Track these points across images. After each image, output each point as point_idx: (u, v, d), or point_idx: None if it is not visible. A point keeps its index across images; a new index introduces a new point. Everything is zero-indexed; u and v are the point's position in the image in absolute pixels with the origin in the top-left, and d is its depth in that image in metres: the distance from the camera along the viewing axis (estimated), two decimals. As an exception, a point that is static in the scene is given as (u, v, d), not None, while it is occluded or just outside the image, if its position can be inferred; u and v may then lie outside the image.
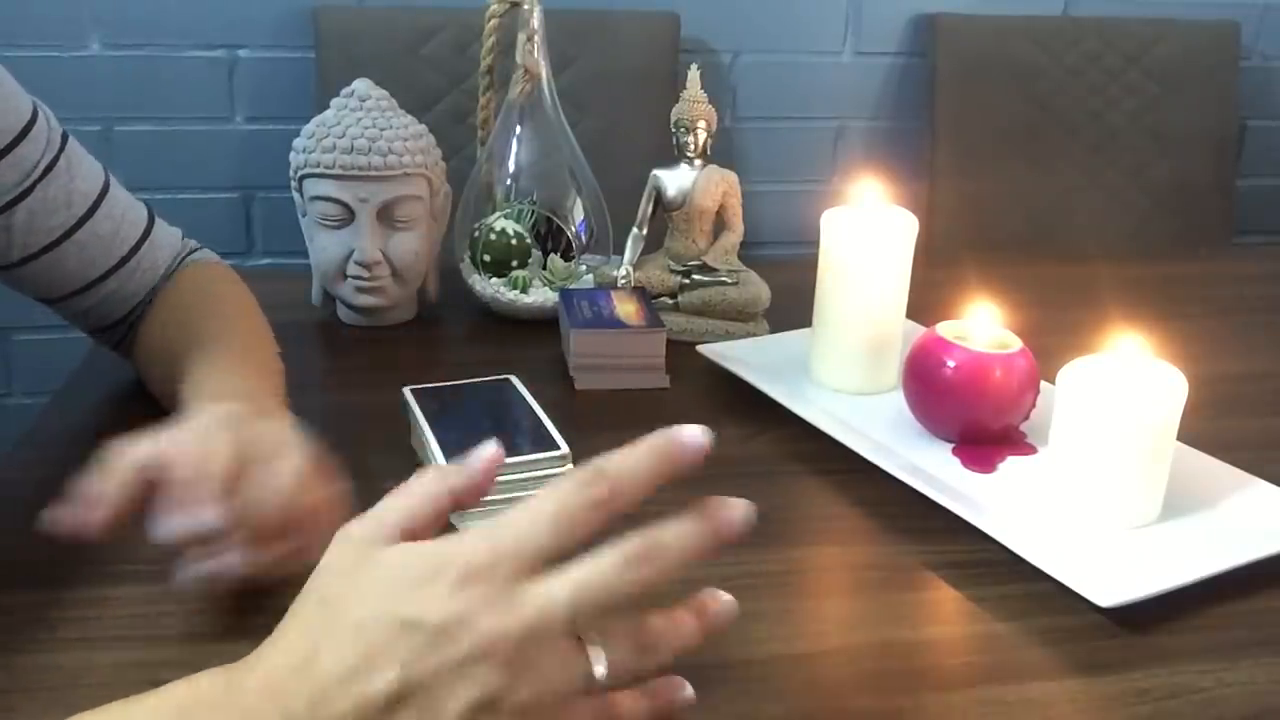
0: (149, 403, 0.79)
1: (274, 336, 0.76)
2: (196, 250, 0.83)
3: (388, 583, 0.40)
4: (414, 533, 0.43)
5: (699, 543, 0.42)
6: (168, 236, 0.81)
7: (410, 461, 0.71)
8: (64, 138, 0.74)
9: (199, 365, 0.66)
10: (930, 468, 0.71)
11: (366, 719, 0.38)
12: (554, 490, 0.41)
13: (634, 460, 0.43)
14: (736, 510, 0.43)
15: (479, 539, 0.41)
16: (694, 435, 0.43)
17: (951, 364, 0.72)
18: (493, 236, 1.00)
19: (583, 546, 0.41)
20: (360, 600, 0.40)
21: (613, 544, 0.41)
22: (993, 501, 0.67)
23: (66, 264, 0.74)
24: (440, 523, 0.44)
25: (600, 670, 0.41)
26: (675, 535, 0.42)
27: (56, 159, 0.72)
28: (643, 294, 0.93)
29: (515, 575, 0.40)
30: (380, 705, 0.38)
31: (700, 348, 0.87)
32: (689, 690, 0.46)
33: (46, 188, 0.71)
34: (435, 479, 0.44)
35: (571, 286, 0.98)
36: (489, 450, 0.45)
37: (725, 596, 0.46)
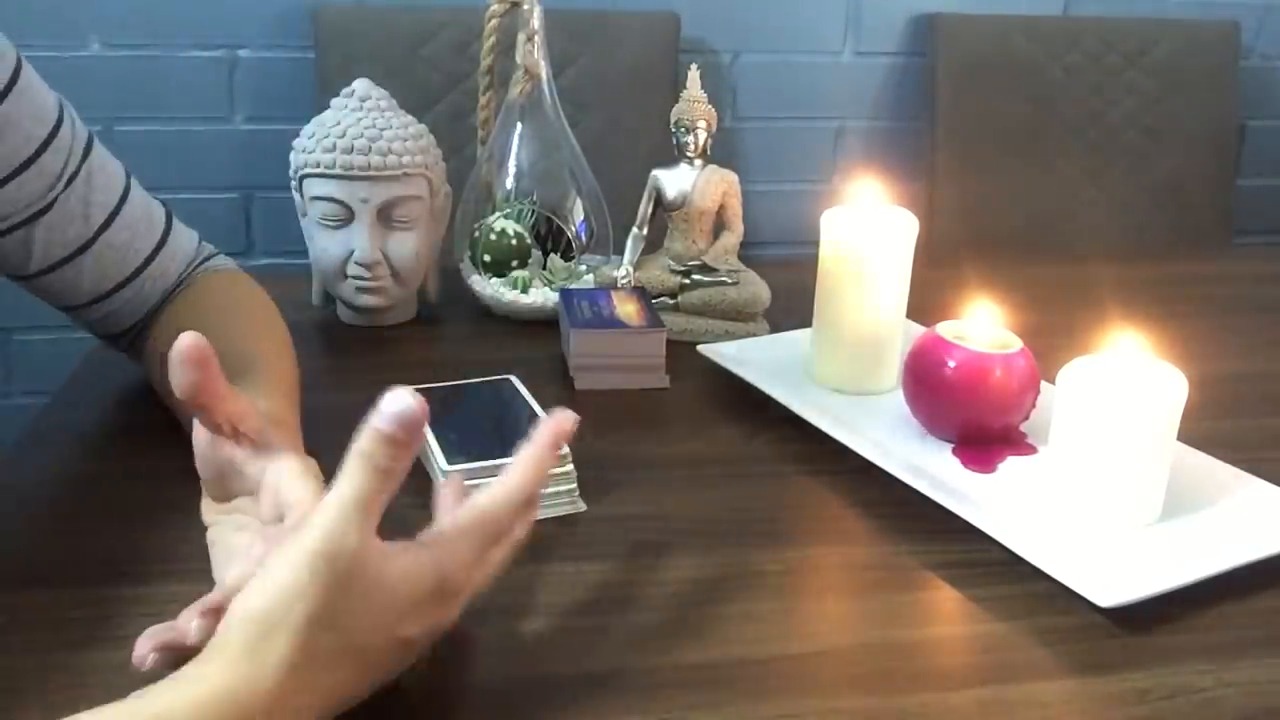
0: (149, 403, 0.79)
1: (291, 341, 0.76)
2: (213, 257, 0.82)
3: (384, 601, 0.45)
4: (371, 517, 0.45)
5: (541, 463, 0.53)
6: (183, 242, 0.79)
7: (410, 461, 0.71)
8: (88, 146, 0.72)
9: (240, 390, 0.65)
10: (930, 468, 0.71)
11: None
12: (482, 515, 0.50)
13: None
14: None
15: (456, 568, 0.48)
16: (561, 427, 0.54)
17: (951, 364, 0.72)
18: (493, 236, 1.00)
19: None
20: (361, 618, 0.44)
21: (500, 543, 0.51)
22: (993, 501, 0.67)
23: (81, 276, 0.73)
24: (382, 504, 0.45)
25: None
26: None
27: (79, 170, 0.71)
28: (643, 294, 0.93)
29: (466, 588, 0.49)
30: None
31: (700, 348, 0.87)
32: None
33: (67, 200, 0.70)
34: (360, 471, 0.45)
35: (571, 286, 0.98)
36: (400, 396, 0.46)
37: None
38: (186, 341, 0.50)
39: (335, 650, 0.43)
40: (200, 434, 0.56)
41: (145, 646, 0.46)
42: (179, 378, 0.50)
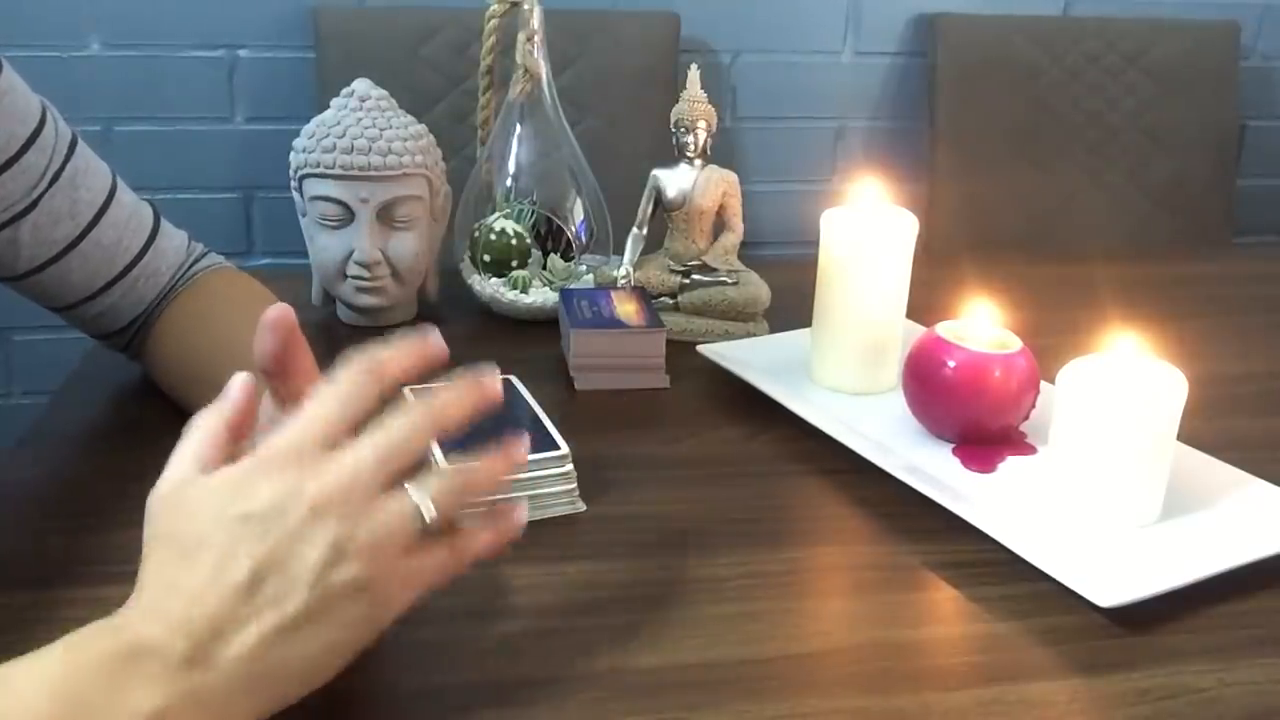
0: (149, 403, 0.79)
1: None
2: (205, 255, 0.82)
3: (211, 498, 0.45)
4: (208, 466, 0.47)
5: (460, 399, 0.50)
6: (173, 241, 0.79)
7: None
8: (71, 145, 0.72)
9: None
10: (930, 468, 0.71)
11: (236, 605, 0.43)
12: (331, 378, 0.48)
13: (394, 349, 0.50)
14: (485, 376, 0.51)
15: (275, 436, 0.46)
16: (436, 336, 0.51)
17: (951, 364, 0.72)
18: (493, 236, 1.00)
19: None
20: (194, 520, 0.45)
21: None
22: (993, 501, 0.67)
23: (70, 275, 0.73)
24: (222, 454, 0.48)
25: (429, 508, 0.47)
26: (442, 395, 0.50)
27: (63, 168, 0.71)
28: (643, 294, 0.93)
29: (319, 448, 0.46)
30: (244, 589, 0.43)
31: (700, 348, 0.87)
32: (523, 513, 0.52)
33: (52, 198, 0.70)
34: (206, 416, 0.49)
35: (571, 286, 0.98)
36: (238, 379, 0.50)
37: (523, 438, 0.53)
38: (275, 311, 0.50)
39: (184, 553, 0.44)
40: (267, 404, 0.56)
41: None
42: (262, 344, 0.51)
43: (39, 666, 0.41)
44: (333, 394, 0.47)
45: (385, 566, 0.46)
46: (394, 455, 0.47)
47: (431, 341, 0.51)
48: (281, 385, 0.52)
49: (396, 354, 0.50)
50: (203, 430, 0.49)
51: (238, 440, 0.49)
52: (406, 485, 0.47)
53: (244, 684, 0.43)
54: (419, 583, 0.48)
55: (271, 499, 0.44)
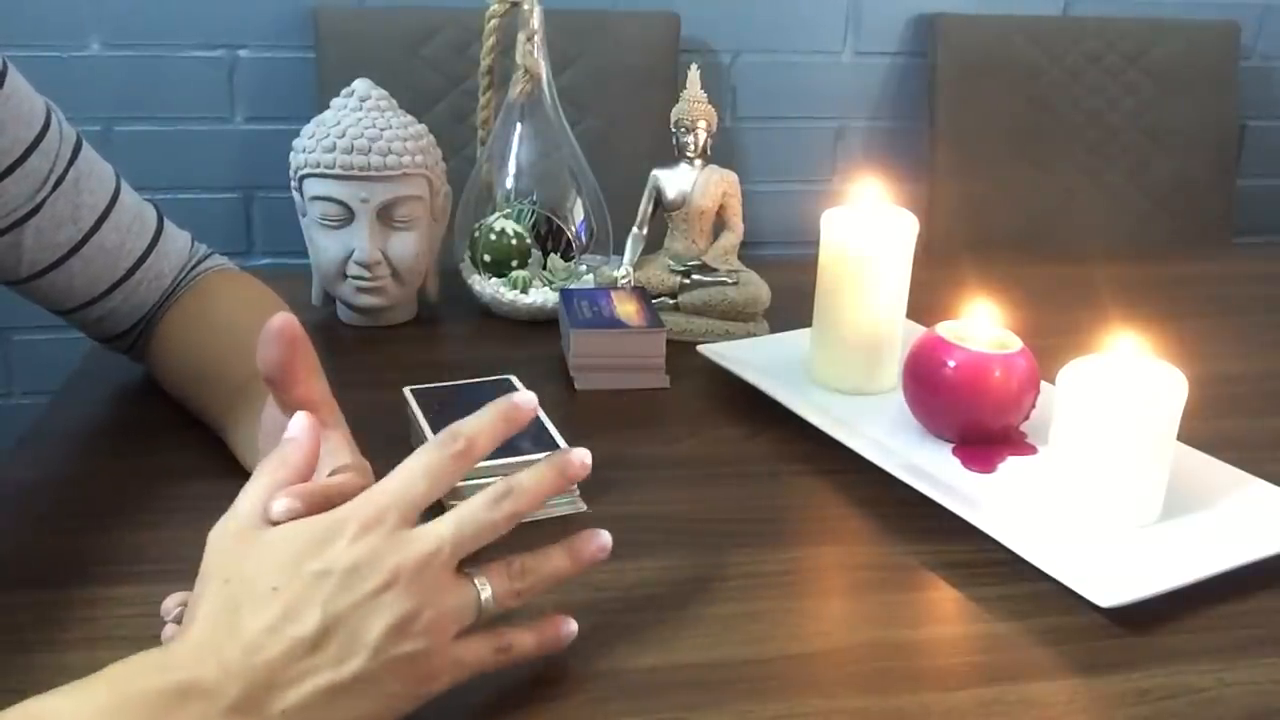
0: (150, 403, 0.79)
1: None
2: (209, 256, 0.82)
3: (290, 549, 0.45)
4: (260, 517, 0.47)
5: (550, 481, 0.50)
6: (176, 243, 0.79)
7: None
8: (75, 148, 0.72)
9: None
10: (930, 468, 0.71)
11: (297, 658, 0.43)
12: (420, 452, 0.48)
13: (482, 420, 0.50)
14: (578, 455, 0.51)
15: (363, 500, 0.47)
16: (527, 399, 0.51)
17: (951, 364, 0.72)
18: (493, 236, 1.00)
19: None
20: (264, 565, 0.45)
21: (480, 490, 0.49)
22: (993, 501, 0.67)
23: (73, 279, 0.73)
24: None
25: (486, 594, 0.48)
26: (529, 476, 0.50)
27: (66, 172, 0.71)
28: (643, 294, 0.93)
29: (401, 522, 0.46)
30: (309, 644, 0.43)
31: (700, 348, 0.87)
32: (573, 625, 0.53)
33: (55, 203, 0.70)
34: (274, 466, 0.49)
35: (571, 286, 0.98)
36: (299, 423, 0.51)
37: (602, 534, 0.53)
38: (278, 321, 0.51)
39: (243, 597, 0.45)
40: (271, 408, 0.56)
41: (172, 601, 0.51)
42: (266, 352, 0.51)
43: (83, 702, 0.41)
44: (423, 470, 0.48)
45: (440, 647, 0.47)
46: (471, 542, 0.48)
47: (521, 405, 0.51)
48: (286, 393, 0.52)
49: (488, 428, 0.50)
50: (272, 475, 0.49)
51: (300, 480, 0.49)
52: (474, 577, 0.48)
53: None
54: (461, 670, 0.48)
55: (352, 561, 0.45)
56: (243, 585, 0.45)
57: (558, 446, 0.66)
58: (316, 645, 0.44)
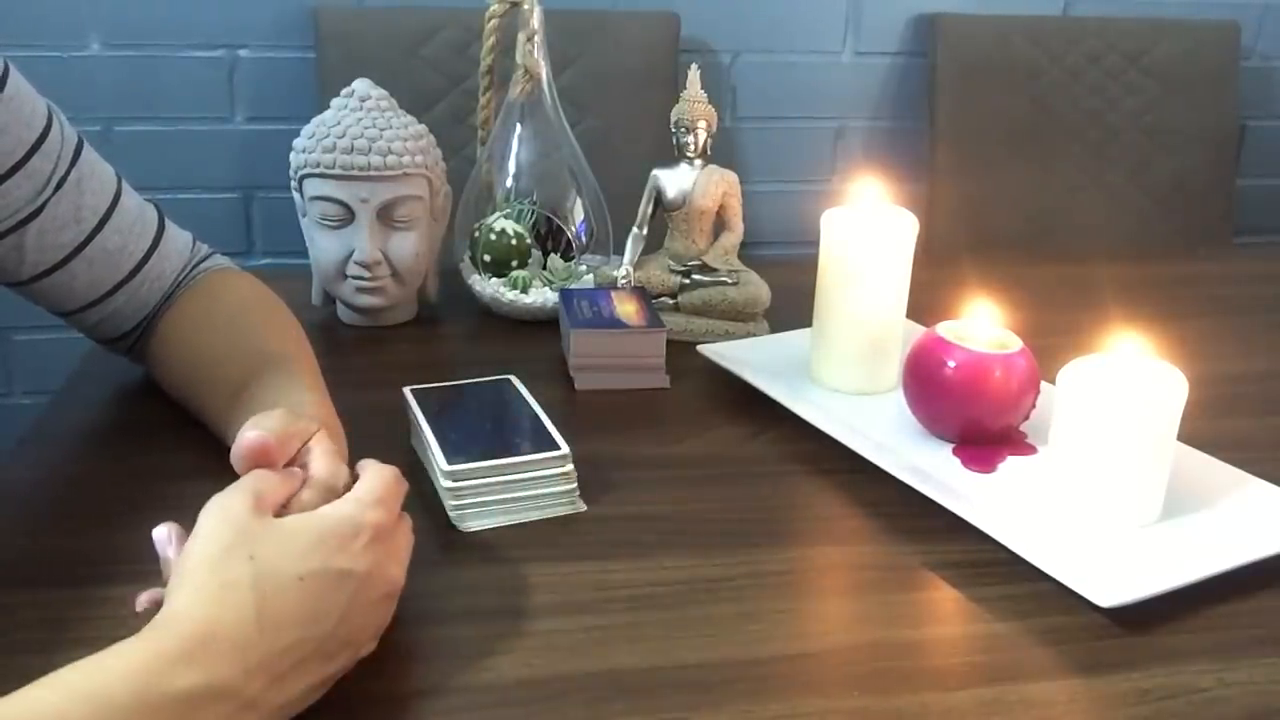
0: (149, 403, 0.79)
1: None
2: (210, 256, 0.82)
3: (318, 543, 0.48)
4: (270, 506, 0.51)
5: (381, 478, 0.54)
6: (177, 244, 0.79)
7: (410, 461, 0.71)
8: (77, 150, 0.72)
9: (282, 387, 0.65)
10: (930, 468, 0.71)
11: (310, 657, 0.47)
12: (383, 470, 0.55)
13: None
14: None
15: (378, 511, 0.51)
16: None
17: (951, 364, 0.72)
18: (493, 236, 1.00)
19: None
20: (295, 558, 0.47)
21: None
22: (993, 501, 0.67)
23: (75, 281, 0.73)
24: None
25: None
26: (377, 475, 0.55)
27: (68, 173, 0.70)
28: (643, 294, 0.93)
29: (394, 529, 0.53)
30: (322, 639, 0.47)
31: (700, 348, 0.87)
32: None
33: (57, 204, 0.70)
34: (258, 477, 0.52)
35: (571, 286, 0.98)
36: (249, 435, 0.53)
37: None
38: (248, 442, 0.53)
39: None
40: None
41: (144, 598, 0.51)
42: (237, 467, 0.53)
43: (101, 705, 0.41)
44: (396, 486, 0.54)
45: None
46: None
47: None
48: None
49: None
50: (270, 475, 0.52)
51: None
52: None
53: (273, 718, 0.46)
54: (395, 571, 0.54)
55: (371, 566, 0.50)
56: (267, 565, 0.47)
57: (557, 447, 0.66)
58: (325, 641, 0.47)
